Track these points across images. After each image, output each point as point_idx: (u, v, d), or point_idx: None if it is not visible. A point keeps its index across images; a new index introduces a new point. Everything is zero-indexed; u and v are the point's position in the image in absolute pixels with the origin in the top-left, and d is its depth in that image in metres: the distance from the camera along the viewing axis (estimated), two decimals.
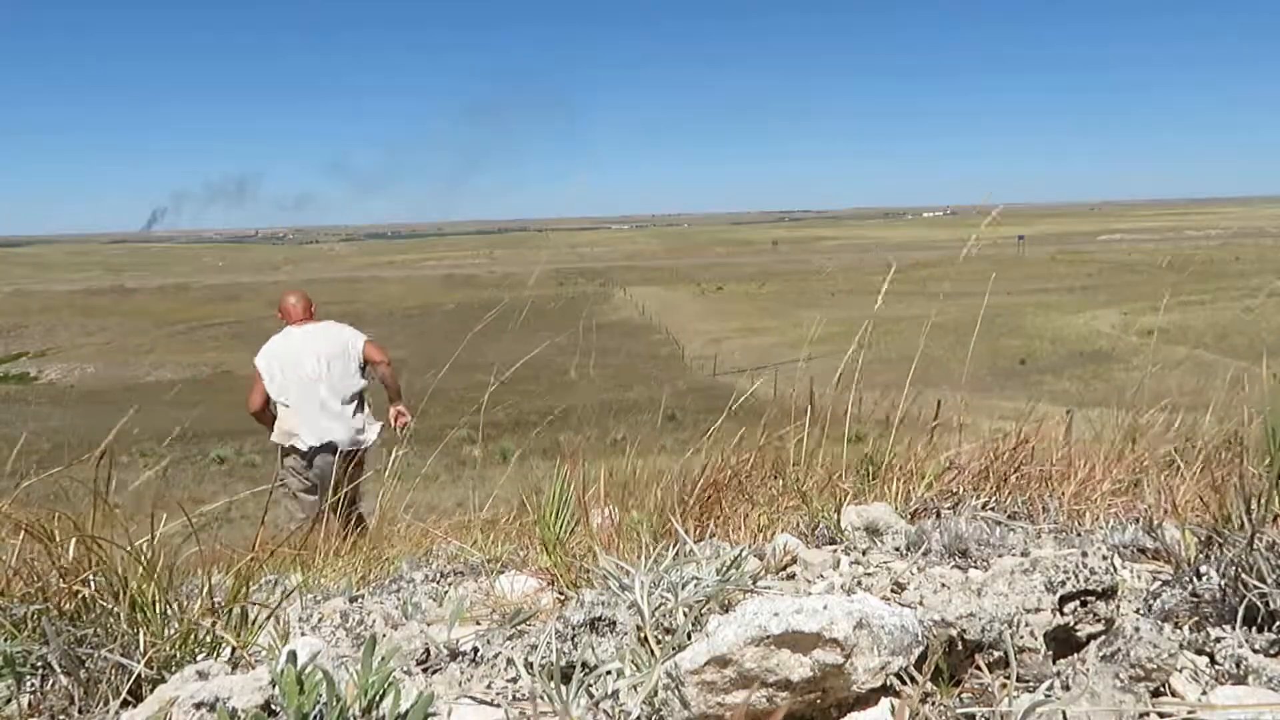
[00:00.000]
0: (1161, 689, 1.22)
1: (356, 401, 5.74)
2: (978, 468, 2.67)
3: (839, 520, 2.21)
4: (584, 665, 1.36)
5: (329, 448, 5.59)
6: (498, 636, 1.65)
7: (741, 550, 1.79)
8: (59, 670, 1.44)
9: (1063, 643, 1.39)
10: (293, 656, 1.23)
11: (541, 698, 1.32)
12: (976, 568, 1.86)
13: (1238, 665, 1.27)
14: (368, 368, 5.91)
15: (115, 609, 1.53)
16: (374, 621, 1.91)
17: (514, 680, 1.45)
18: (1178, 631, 1.40)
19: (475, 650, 1.58)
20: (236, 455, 29.01)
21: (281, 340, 5.78)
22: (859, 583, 1.78)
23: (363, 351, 5.80)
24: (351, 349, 5.75)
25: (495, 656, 1.54)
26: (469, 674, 1.50)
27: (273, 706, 1.23)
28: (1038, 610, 1.38)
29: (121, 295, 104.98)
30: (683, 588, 1.55)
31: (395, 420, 6.00)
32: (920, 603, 1.40)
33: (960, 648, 1.33)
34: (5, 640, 1.47)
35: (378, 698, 1.21)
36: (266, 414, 5.78)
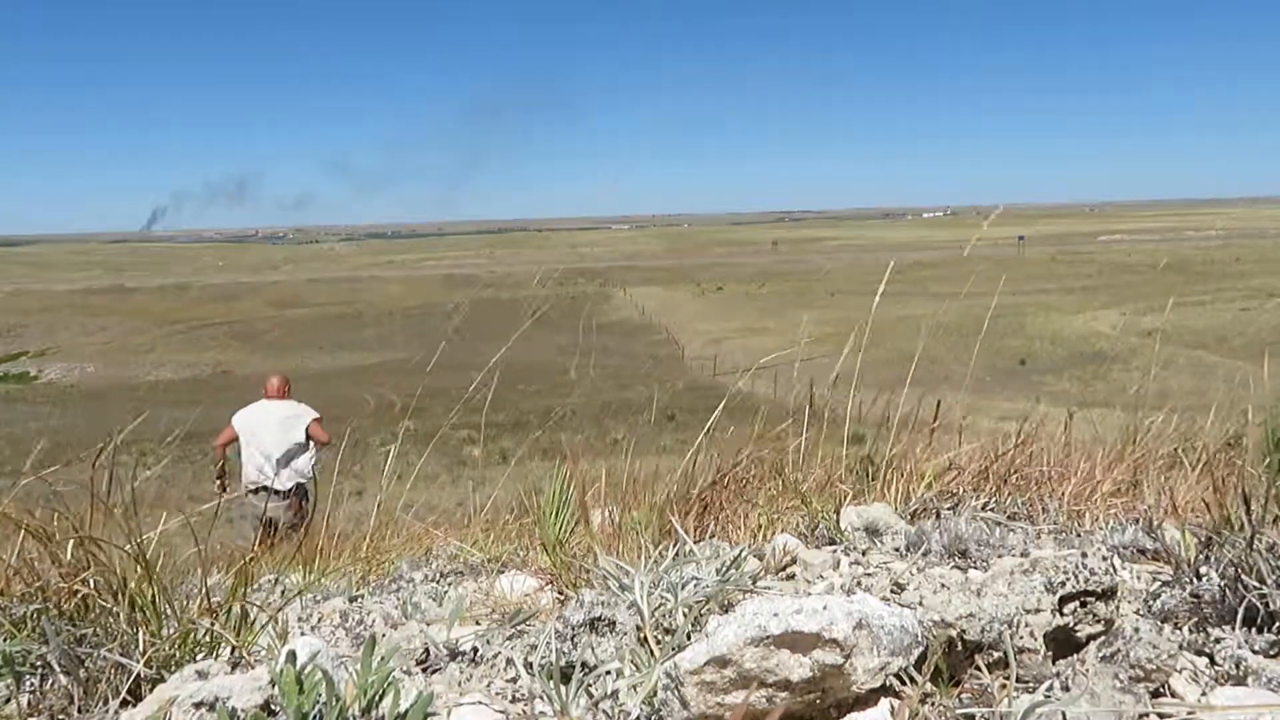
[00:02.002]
0: (1161, 690, 1.22)
1: (293, 456, 7.57)
2: (978, 468, 2.67)
3: (839, 521, 2.20)
4: (584, 665, 1.36)
5: (266, 489, 7.40)
6: (497, 636, 1.65)
7: (741, 550, 1.79)
8: (58, 670, 1.44)
9: (1062, 643, 1.39)
10: (292, 656, 1.22)
11: (541, 698, 1.32)
12: (976, 568, 1.86)
13: (1237, 666, 1.27)
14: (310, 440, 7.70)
15: (114, 609, 1.53)
16: (374, 621, 1.91)
17: (514, 680, 1.45)
18: (1177, 632, 1.40)
19: (475, 650, 1.58)
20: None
21: (253, 408, 7.71)
22: (859, 583, 1.78)
23: (308, 426, 7.62)
24: (299, 422, 7.59)
25: (495, 656, 1.54)
26: (468, 674, 1.50)
27: (272, 706, 1.23)
28: (1037, 611, 1.38)
29: (121, 295, 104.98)
30: (682, 588, 1.55)
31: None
32: (920, 603, 1.40)
33: (960, 648, 1.33)
34: (5, 640, 1.47)
35: (377, 698, 1.21)
36: (222, 454, 7.83)
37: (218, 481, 7.94)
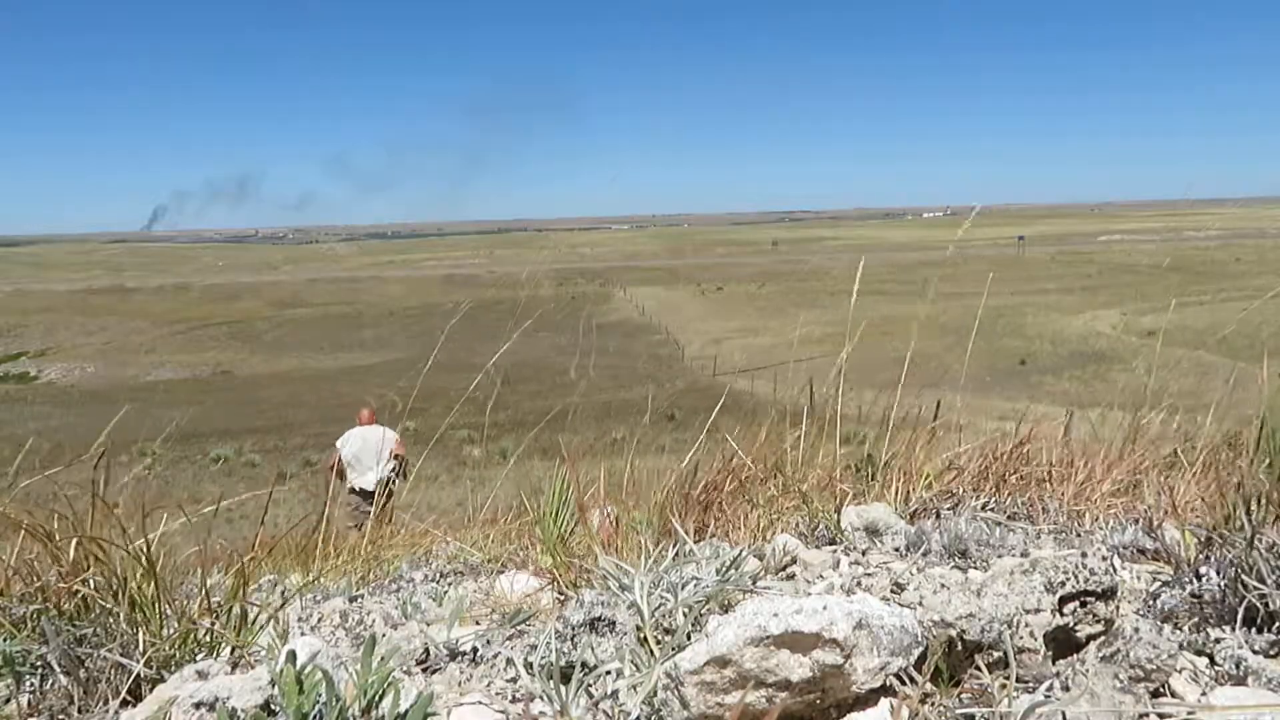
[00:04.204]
0: (1161, 690, 1.22)
1: (386, 462, 9.86)
2: (977, 468, 2.67)
3: (839, 520, 2.20)
4: (584, 665, 1.36)
5: (367, 491, 9.64)
6: (497, 636, 1.65)
7: (741, 550, 1.79)
8: (58, 670, 1.44)
9: (1062, 643, 1.39)
10: (292, 656, 1.22)
11: (541, 698, 1.32)
12: (976, 568, 1.86)
13: (1237, 666, 1.27)
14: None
15: (114, 609, 1.53)
16: (374, 621, 1.91)
17: (514, 680, 1.45)
18: (1177, 632, 1.40)
19: (475, 650, 1.58)
20: (236, 455, 29.05)
21: (352, 434, 10.26)
22: (859, 583, 1.78)
23: (392, 442, 9.92)
24: (386, 439, 9.87)
25: (495, 656, 1.54)
26: (468, 674, 1.50)
27: (272, 706, 1.23)
28: (1037, 611, 1.38)
29: (121, 295, 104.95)
30: (682, 588, 1.55)
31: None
32: (920, 603, 1.40)
33: (960, 648, 1.33)
34: (5, 640, 1.47)
35: (377, 698, 1.21)
36: (331, 474, 10.14)
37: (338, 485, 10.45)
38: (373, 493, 9.61)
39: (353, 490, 10.04)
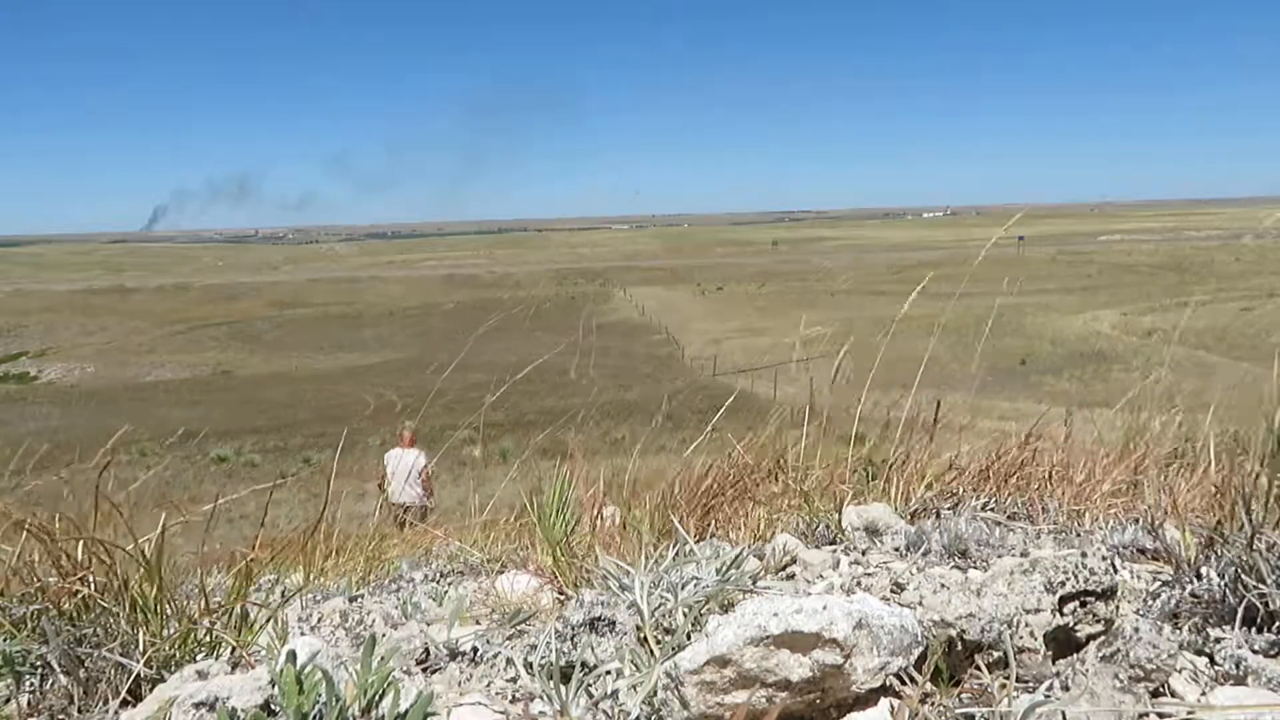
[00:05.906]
0: (1161, 689, 1.22)
1: (418, 483, 11.64)
2: (978, 468, 2.67)
3: (839, 520, 2.20)
4: (584, 665, 1.36)
5: (403, 505, 11.15)
6: (497, 636, 1.65)
7: (741, 550, 1.79)
8: (58, 670, 1.44)
9: (1062, 643, 1.39)
10: (292, 656, 1.22)
11: (541, 698, 1.32)
12: (976, 568, 1.86)
13: (1237, 666, 1.27)
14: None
15: (115, 609, 1.53)
16: (374, 621, 1.91)
17: (514, 680, 1.45)
18: (1177, 632, 1.40)
19: (475, 650, 1.58)
20: (236, 455, 29.07)
21: (394, 452, 11.85)
22: (859, 583, 1.78)
23: (421, 466, 11.68)
24: (418, 463, 11.57)
25: (495, 656, 1.54)
26: (468, 674, 1.50)
27: (272, 706, 1.23)
28: (1037, 611, 1.38)
29: (121, 295, 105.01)
30: (682, 588, 1.55)
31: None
32: (920, 603, 1.40)
33: (960, 648, 1.33)
34: (5, 640, 1.47)
35: (377, 697, 1.21)
36: (382, 486, 11.65)
37: (381, 494, 11.91)
38: (405, 506, 11.30)
39: (393, 502, 11.66)
